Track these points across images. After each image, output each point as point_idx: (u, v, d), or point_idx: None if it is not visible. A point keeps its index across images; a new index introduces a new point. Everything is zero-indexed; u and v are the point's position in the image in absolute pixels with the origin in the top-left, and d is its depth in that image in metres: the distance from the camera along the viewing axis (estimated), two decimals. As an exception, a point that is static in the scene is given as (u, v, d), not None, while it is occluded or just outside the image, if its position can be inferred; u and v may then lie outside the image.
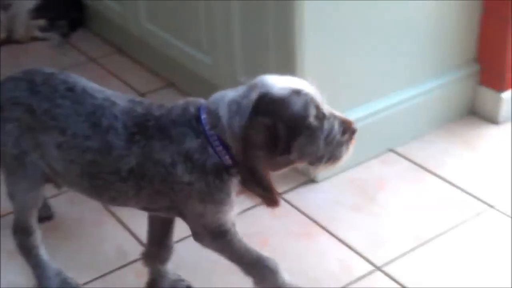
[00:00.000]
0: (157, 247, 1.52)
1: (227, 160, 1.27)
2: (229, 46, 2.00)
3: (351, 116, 1.91)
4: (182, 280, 1.60)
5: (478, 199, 1.86)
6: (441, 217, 1.80)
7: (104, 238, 1.78)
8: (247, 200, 1.82)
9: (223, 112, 1.25)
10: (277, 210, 1.82)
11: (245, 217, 1.83)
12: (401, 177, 1.97)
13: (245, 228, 1.77)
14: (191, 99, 1.32)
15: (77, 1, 2.82)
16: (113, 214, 1.85)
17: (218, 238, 1.36)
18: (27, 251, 1.55)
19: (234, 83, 1.42)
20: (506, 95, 2.12)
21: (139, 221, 1.63)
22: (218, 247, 1.38)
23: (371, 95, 1.99)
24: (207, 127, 1.26)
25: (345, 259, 1.69)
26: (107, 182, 1.34)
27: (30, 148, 1.39)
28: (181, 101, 1.32)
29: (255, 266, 1.37)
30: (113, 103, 1.33)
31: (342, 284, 1.62)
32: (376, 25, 1.90)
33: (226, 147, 1.26)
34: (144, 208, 1.41)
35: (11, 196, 1.49)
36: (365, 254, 1.70)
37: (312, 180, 1.96)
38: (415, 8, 1.94)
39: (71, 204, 1.88)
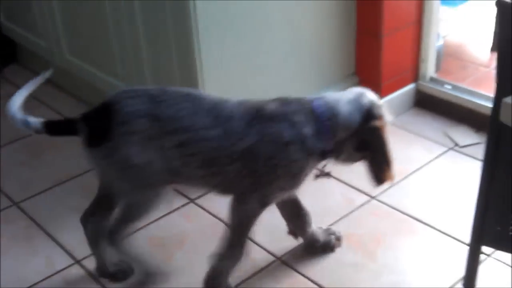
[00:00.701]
0: (295, 219, 1.62)
1: (330, 145, 1.40)
2: (140, 72, 1.99)
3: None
4: (331, 230, 1.68)
5: (363, 192, 1.89)
6: (334, 210, 1.83)
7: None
8: (163, 207, 1.84)
9: (343, 109, 1.39)
10: (192, 215, 1.84)
11: (162, 222, 1.82)
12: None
13: (163, 232, 1.77)
14: (298, 97, 1.44)
15: (7, 38, 2.74)
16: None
17: (261, 207, 1.45)
18: (118, 244, 1.49)
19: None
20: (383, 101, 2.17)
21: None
22: (248, 213, 1.45)
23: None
24: (324, 119, 1.38)
25: (250, 252, 1.69)
26: (220, 167, 1.39)
27: (153, 157, 1.38)
28: (291, 98, 1.43)
29: (236, 246, 1.47)
30: (226, 101, 1.42)
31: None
32: (268, 45, 1.92)
33: (332, 136, 1.39)
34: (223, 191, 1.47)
35: (133, 205, 1.45)
36: (267, 247, 1.71)
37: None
38: (299, 30, 1.98)
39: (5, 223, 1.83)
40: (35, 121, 1.42)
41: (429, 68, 2.25)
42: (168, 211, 1.87)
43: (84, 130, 1.39)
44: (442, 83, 2.24)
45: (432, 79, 2.26)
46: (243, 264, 1.55)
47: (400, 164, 1.99)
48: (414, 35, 2.16)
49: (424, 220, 1.76)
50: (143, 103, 1.38)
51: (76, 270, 1.66)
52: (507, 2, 1.24)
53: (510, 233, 1.38)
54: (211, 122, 1.38)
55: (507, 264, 1.58)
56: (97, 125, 1.38)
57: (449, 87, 2.21)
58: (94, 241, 1.57)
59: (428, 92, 2.24)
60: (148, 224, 1.80)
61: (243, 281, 1.61)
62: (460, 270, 1.51)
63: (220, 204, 1.86)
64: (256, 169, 1.39)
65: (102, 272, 1.62)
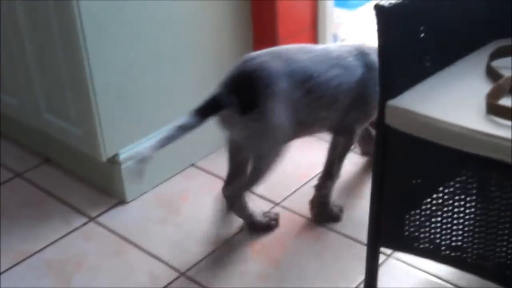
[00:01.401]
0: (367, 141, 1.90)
1: None
2: (29, 87, 1.91)
3: (154, 138, 1.91)
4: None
5: (267, 198, 1.89)
6: (235, 218, 1.81)
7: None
8: (62, 228, 1.77)
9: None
10: (90, 235, 1.78)
11: (60, 244, 1.75)
12: (201, 188, 1.96)
13: (60, 254, 1.70)
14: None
15: None
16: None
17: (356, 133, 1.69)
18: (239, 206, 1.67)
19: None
20: (283, 107, 2.18)
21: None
22: (352, 141, 1.71)
23: (172, 117, 1.97)
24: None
25: (153, 270, 1.66)
26: (339, 104, 1.59)
27: (289, 112, 1.51)
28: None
29: (339, 170, 1.74)
30: (327, 46, 1.67)
31: (150, 292, 1.59)
32: (165, 57, 1.89)
33: None
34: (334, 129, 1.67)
35: (261, 167, 1.58)
36: (171, 263, 1.67)
37: (122, 201, 1.90)
38: (200, 40, 1.96)
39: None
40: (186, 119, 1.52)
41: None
42: (66, 232, 1.80)
43: (233, 101, 1.48)
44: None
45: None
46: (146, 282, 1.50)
47: (303, 169, 2.00)
48: (310, 40, 2.18)
49: (326, 224, 1.77)
50: (276, 64, 1.51)
51: None
52: (384, 6, 1.26)
53: (406, 233, 1.41)
54: (328, 65, 1.56)
55: (407, 263, 1.61)
56: (245, 93, 1.48)
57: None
58: (238, 206, 1.67)
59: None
60: (45, 247, 1.73)
61: (145, 300, 1.57)
62: (362, 272, 1.53)
63: (122, 221, 1.82)
64: (366, 96, 1.59)
65: (256, 227, 1.72)
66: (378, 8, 1.26)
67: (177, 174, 2.03)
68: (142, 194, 1.93)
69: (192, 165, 2.07)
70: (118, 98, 1.79)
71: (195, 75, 2.00)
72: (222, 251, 1.70)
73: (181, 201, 1.91)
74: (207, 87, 2.04)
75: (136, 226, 1.81)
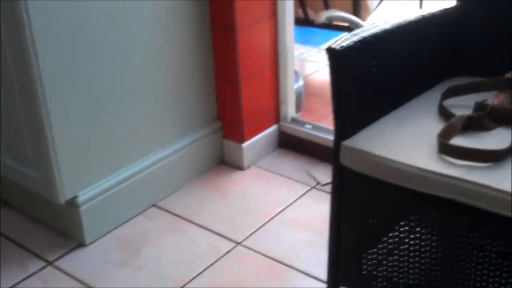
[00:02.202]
0: None
1: None
2: None
3: (113, 179, 1.91)
4: None
5: (228, 238, 1.88)
6: (199, 259, 1.80)
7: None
8: (19, 273, 1.74)
9: None
10: (47, 279, 1.74)
11: (16, 291, 1.71)
12: (163, 229, 1.94)
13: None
14: None
15: None
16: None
17: None
18: None
19: None
20: (245, 145, 2.20)
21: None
22: None
23: (132, 157, 1.97)
24: None
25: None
26: None
27: None
28: None
29: None
30: None
31: None
32: (123, 99, 1.88)
33: None
34: None
35: None
36: None
37: (81, 244, 1.87)
38: (160, 78, 1.96)
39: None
40: None
41: (290, 109, 2.29)
42: (23, 277, 1.76)
43: None
44: (302, 123, 2.29)
45: (293, 120, 2.31)
46: None
47: (266, 207, 2.00)
48: (271, 78, 2.21)
49: (288, 263, 1.77)
50: None
51: None
52: (336, 49, 1.28)
53: (364, 272, 1.41)
54: None
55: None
56: None
57: (310, 126, 2.26)
58: None
59: (290, 132, 2.29)
60: (1, 294, 1.69)
61: None
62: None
63: (80, 265, 1.79)
64: None
65: None
66: (330, 51, 1.29)
67: (138, 215, 2.01)
68: (101, 236, 1.90)
69: (154, 205, 2.05)
70: (76, 141, 1.78)
71: (155, 116, 2.00)
72: (184, 293, 1.68)
73: (142, 243, 1.88)
74: (167, 127, 2.05)
75: (95, 269, 1.78)
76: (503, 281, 1.20)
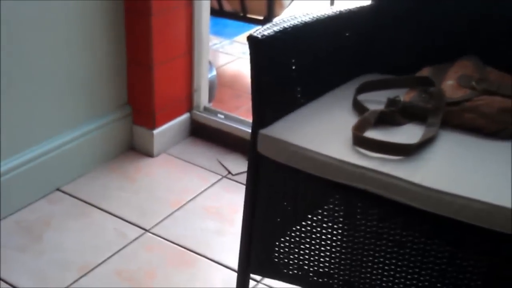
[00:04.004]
0: None
1: None
2: None
3: (15, 160, 1.82)
4: None
5: (136, 225, 1.84)
6: (105, 246, 1.75)
7: None
8: None
9: None
10: None
11: None
12: (67, 214, 1.87)
13: None
14: None
15: None
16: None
17: None
18: None
19: None
20: (157, 131, 2.16)
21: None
22: None
23: (36, 139, 1.88)
24: None
25: (10, 301, 1.55)
26: None
27: None
28: None
29: None
30: None
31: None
32: (35, 77, 1.80)
33: None
34: None
35: None
36: (30, 293, 1.57)
37: (-22, 228, 1.77)
38: (69, 60, 1.89)
39: None
40: None
41: (202, 98, 2.28)
42: None
43: None
44: (215, 113, 2.28)
45: (206, 109, 2.30)
46: None
47: (175, 194, 1.98)
48: (185, 66, 2.18)
49: (197, 251, 1.75)
50: None
51: None
52: (258, 37, 1.28)
53: (275, 259, 1.42)
54: None
55: (275, 289, 1.63)
56: None
57: (222, 116, 2.26)
58: None
59: (202, 121, 2.27)
60: None
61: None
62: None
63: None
64: None
65: None
66: (252, 39, 1.28)
67: (40, 199, 1.92)
68: (4, 218, 1.81)
69: (58, 189, 1.97)
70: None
71: (62, 98, 1.92)
72: (86, 280, 1.63)
73: (44, 227, 1.80)
74: (74, 110, 1.98)
75: (-7, 253, 1.69)
76: (409, 270, 1.24)
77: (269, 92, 1.33)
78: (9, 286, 1.59)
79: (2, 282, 1.60)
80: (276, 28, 1.34)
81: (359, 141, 1.25)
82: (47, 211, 1.87)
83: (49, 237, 1.77)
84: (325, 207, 1.31)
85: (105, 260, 1.70)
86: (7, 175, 1.80)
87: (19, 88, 1.77)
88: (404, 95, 1.42)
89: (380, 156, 1.22)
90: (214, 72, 2.43)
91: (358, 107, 1.39)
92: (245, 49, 3.15)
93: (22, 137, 1.83)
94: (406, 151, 1.22)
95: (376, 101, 1.41)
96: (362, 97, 1.43)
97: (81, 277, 1.63)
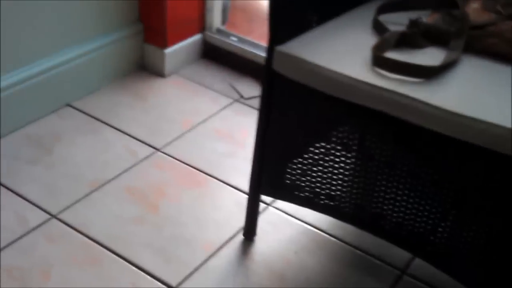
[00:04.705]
0: None
1: None
2: None
3: (24, 72, 1.79)
4: None
5: (147, 144, 1.83)
6: (115, 163, 1.74)
7: None
8: None
9: None
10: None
11: None
12: (77, 129, 1.86)
13: None
14: None
15: None
16: None
17: None
18: None
19: None
20: (168, 51, 2.11)
21: None
22: None
23: (45, 51, 1.85)
24: None
25: (21, 211, 1.55)
26: None
27: None
28: None
29: None
30: None
31: (17, 235, 1.48)
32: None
33: None
34: None
35: None
36: (40, 204, 1.57)
37: (-12, 140, 1.76)
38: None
39: None
40: None
41: (216, 19, 2.22)
42: None
43: None
44: (228, 35, 2.22)
45: (219, 31, 2.24)
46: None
47: (186, 116, 1.95)
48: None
49: (207, 171, 1.74)
50: None
51: None
52: None
53: (287, 181, 1.41)
54: None
55: (287, 213, 1.62)
56: None
57: (235, 39, 2.20)
58: None
59: (215, 43, 2.22)
60: None
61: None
62: (242, 220, 1.52)
63: None
64: None
65: None
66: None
67: (50, 113, 1.90)
68: (10, 132, 1.79)
69: (68, 105, 1.95)
70: None
71: (71, 10, 1.88)
72: (97, 194, 1.63)
73: (54, 142, 1.79)
74: (84, 23, 1.93)
75: (4, 165, 1.68)
76: (416, 199, 1.23)
77: (285, 8, 1.28)
78: (21, 198, 1.59)
79: (14, 194, 1.60)
80: None
81: (379, 61, 1.21)
82: (57, 125, 1.86)
83: (60, 151, 1.76)
84: (340, 128, 1.28)
85: (115, 177, 1.69)
86: (16, 87, 1.77)
87: (23, 1, 1.72)
88: (426, 17, 1.37)
89: (400, 77, 1.19)
90: (228, -7, 2.35)
91: (378, 28, 1.34)
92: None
93: (30, 49, 1.79)
94: (426, 74, 1.18)
95: (397, 22, 1.36)
96: (382, 18, 1.38)
97: (91, 191, 1.63)
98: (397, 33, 1.30)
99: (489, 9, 1.35)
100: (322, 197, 1.36)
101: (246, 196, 1.47)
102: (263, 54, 2.11)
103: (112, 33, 2.02)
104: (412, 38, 1.30)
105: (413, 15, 1.36)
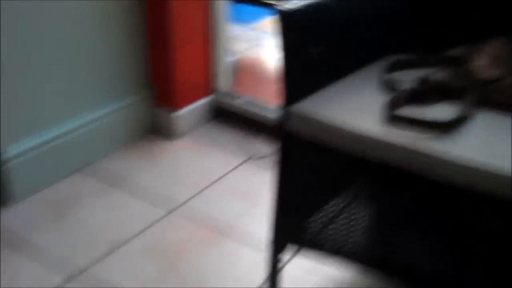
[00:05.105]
0: None
1: None
2: None
3: (39, 139, 1.81)
4: None
5: (161, 205, 1.83)
6: (131, 224, 1.74)
7: None
8: None
9: None
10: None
11: None
12: (91, 194, 1.86)
13: None
14: None
15: None
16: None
17: None
18: None
19: None
20: (179, 114, 2.14)
21: None
22: None
23: (58, 117, 1.87)
24: None
25: (39, 275, 1.54)
26: None
27: None
28: None
29: None
30: None
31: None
32: (58, 56, 1.79)
33: None
34: None
35: None
36: (58, 267, 1.56)
37: (6, 203, 1.77)
38: (92, 40, 1.87)
39: None
40: None
41: (223, 82, 2.26)
42: None
43: None
44: (237, 97, 2.26)
45: (227, 93, 2.27)
46: None
47: (199, 177, 1.96)
48: (206, 49, 2.16)
49: (223, 230, 1.74)
50: None
51: None
52: (287, 11, 1.26)
53: (306, 237, 1.40)
54: None
55: (306, 270, 1.60)
56: None
57: (243, 101, 2.24)
58: None
59: (224, 105, 2.25)
60: None
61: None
62: (262, 277, 1.50)
63: (7, 223, 1.68)
64: None
65: None
66: (282, 13, 1.26)
67: (64, 178, 1.91)
68: (28, 197, 1.80)
69: (80, 169, 1.96)
70: (3, 93, 1.66)
71: (85, 78, 1.91)
72: (115, 256, 1.61)
73: (70, 206, 1.80)
74: (97, 90, 1.96)
75: (21, 229, 1.68)
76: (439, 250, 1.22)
77: (298, 67, 1.31)
78: (37, 262, 1.58)
79: (30, 258, 1.59)
80: (303, 3, 1.31)
81: (392, 118, 1.23)
82: (71, 189, 1.87)
83: (75, 214, 1.76)
84: (356, 185, 1.29)
85: (132, 238, 1.68)
86: (30, 153, 1.79)
87: (39, 69, 1.76)
88: (434, 74, 1.39)
89: (415, 133, 1.20)
90: (235, 58, 2.40)
91: (388, 86, 1.36)
92: (261, 36, 3.13)
93: (42, 117, 1.82)
94: (441, 128, 1.20)
95: (405, 80, 1.38)
96: (391, 76, 1.40)
97: (110, 253, 1.62)
98: (408, 90, 1.32)
99: (497, 65, 1.37)
100: (344, 250, 1.35)
101: (265, 253, 1.46)
102: (271, 114, 2.15)
103: (124, 98, 2.05)
104: (422, 95, 1.32)
105: (420, 73, 1.39)
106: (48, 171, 1.86)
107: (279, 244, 1.42)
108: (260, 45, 3.10)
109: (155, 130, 2.18)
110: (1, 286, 1.50)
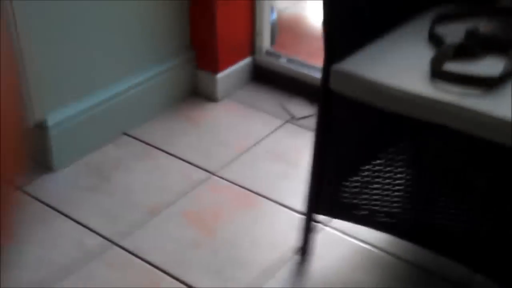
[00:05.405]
0: None
1: None
2: None
3: (82, 104, 1.81)
4: None
5: (202, 168, 1.82)
6: (172, 188, 1.74)
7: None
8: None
9: None
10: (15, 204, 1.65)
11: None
12: (134, 157, 1.87)
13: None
14: None
15: None
16: None
17: None
18: None
19: None
20: (220, 75, 2.11)
21: None
22: None
23: (100, 83, 1.87)
24: None
25: (80, 238, 1.56)
26: None
27: None
28: None
29: None
30: None
31: (78, 262, 1.49)
32: (99, 21, 1.78)
33: None
34: None
35: None
36: (100, 231, 1.58)
37: (49, 169, 1.78)
38: (130, 7, 1.85)
39: None
40: None
41: (265, 42, 2.21)
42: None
43: None
44: (277, 56, 2.21)
45: (268, 53, 2.23)
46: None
47: (240, 139, 1.94)
48: (246, 8, 2.11)
49: (262, 193, 1.72)
50: None
51: None
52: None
53: (343, 200, 1.37)
54: None
55: (342, 232, 1.58)
56: None
57: (285, 60, 2.19)
58: None
59: (265, 65, 2.21)
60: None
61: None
62: (297, 240, 1.48)
63: (49, 189, 1.71)
64: None
65: None
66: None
67: (108, 143, 1.92)
68: (70, 163, 1.81)
69: (125, 133, 1.96)
70: (47, 59, 1.66)
71: (126, 42, 1.89)
72: (155, 220, 1.62)
73: (112, 170, 1.80)
74: (138, 54, 1.95)
75: (64, 194, 1.70)
76: (477, 213, 1.17)
77: (341, 25, 1.26)
78: (80, 225, 1.60)
79: (73, 221, 1.61)
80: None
81: (438, 74, 1.17)
82: (114, 154, 1.87)
83: (118, 178, 1.77)
84: (399, 144, 1.24)
85: (172, 202, 1.68)
86: (75, 119, 1.79)
87: (82, 33, 1.75)
88: (483, 26, 1.32)
89: (461, 90, 1.14)
90: (275, 16, 2.35)
91: (435, 40, 1.30)
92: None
93: (86, 82, 1.82)
94: (488, 84, 1.14)
95: (453, 33, 1.32)
96: (438, 29, 1.34)
97: (150, 217, 1.63)
98: (454, 44, 1.25)
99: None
100: (380, 214, 1.32)
101: (301, 216, 1.44)
102: (313, 73, 2.10)
103: (165, 61, 2.03)
104: (470, 49, 1.25)
105: (468, 25, 1.32)
106: (93, 136, 1.87)
107: (314, 207, 1.40)
108: (301, 2, 3.02)
109: (197, 92, 2.16)
110: (45, 250, 1.52)
